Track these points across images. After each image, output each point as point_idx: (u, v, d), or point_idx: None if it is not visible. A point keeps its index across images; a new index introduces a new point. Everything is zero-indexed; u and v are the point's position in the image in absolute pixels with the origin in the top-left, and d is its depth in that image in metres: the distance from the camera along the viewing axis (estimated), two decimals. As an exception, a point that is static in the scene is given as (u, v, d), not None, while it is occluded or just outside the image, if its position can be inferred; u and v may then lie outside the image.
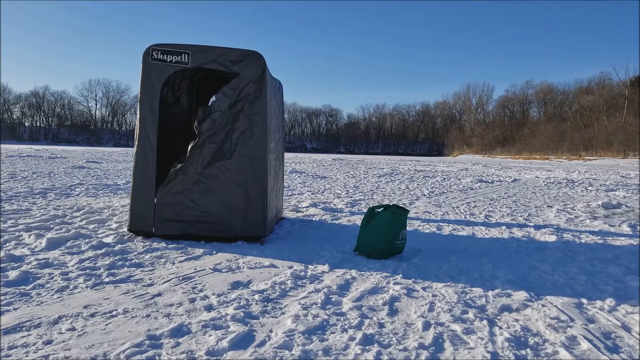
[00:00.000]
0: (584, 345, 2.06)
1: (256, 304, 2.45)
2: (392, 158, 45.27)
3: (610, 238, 4.76)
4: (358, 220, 5.43)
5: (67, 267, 2.98)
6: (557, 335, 2.15)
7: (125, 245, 3.70)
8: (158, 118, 4.00)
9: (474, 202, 7.91)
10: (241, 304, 2.43)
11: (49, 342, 1.88)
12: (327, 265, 3.31)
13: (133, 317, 2.19)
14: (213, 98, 4.12)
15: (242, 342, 1.97)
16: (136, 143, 4.05)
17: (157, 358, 1.79)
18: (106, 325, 2.09)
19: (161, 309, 2.32)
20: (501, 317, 2.39)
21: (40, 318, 2.12)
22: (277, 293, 2.65)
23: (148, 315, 2.22)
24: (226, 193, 3.97)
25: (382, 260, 3.53)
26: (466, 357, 1.91)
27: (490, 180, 13.06)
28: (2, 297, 2.37)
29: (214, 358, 1.82)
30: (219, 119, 3.95)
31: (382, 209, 3.82)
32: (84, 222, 4.52)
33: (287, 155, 8.66)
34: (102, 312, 2.24)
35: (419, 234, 4.69)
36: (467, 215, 6.21)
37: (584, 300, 2.69)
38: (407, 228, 3.91)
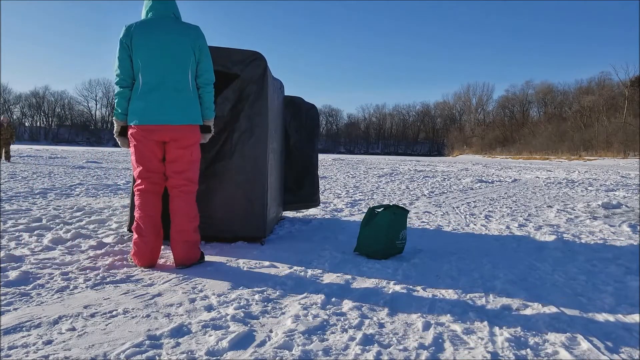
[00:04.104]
0: (584, 345, 2.06)
1: (256, 304, 2.45)
2: (392, 158, 45.27)
3: (610, 238, 4.76)
4: (358, 220, 5.43)
5: (67, 267, 2.98)
6: (557, 335, 2.15)
7: (125, 245, 3.70)
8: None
9: (474, 202, 7.91)
10: (241, 304, 2.43)
11: (49, 342, 1.88)
12: (327, 265, 3.31)
13: (133, 317, 2.19)
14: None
15: (242, 342, 1.97)
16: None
17: (157, 358, 1.79)
18: (106, 325, 2.09)
19: (161, 309, 2.32)
20: (501, 317, 2.39)
21: (40, 318, 2.12)
22: (277, 293, 2.65)
23: (148, 316, 2.22)
24: (226, 193, 3.97)
25: (382, 261, 3.53)
26: (466, 357, 1.91)
27: (490, 181, 13.06)
28: (2, 297, 2.37)
29: (214, 358, 1.82)
30: (221, 122, 3.96)
31: (382, 209, 3.82)
32: (84, 222, 4.52)
33: (287, 155, 8.71)
34: (102, 312, 2.24)
35: (419, 234, 4.69)
36: (467, 215, 6.21)
37: (584, 300, 2.69)
38: (407, 228, 3.90)
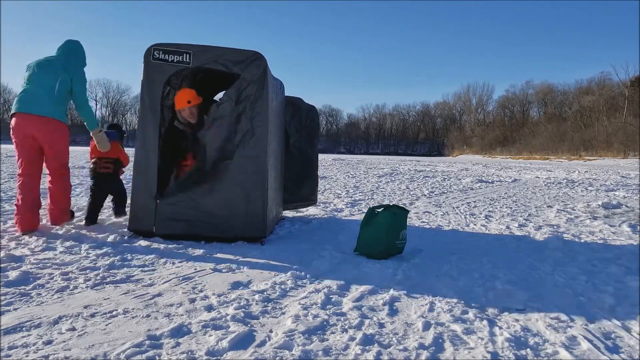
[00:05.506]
0: (584, 345, 2.06)
1: (256, 304, 2.45)
2: (392, 158, 45.25)
3: (610, 238, 4.76)
4: (358, 220, 5.43)
5: (67, 267, 2.98)
6: (557, 335, 2.15)
7: (125, 245, 3.69)
8: (159, 118, 4.01)
9: (474, 202, 7.91)
10: (241, 304, 2.43)
11: (49, 342, 1.88)
12: (327, 265, 3.30)
13: (133, 317, 2.19)
14: (219, 95, 4.15)
15: (242, 342, 1.97)
16: (137, 143, 4.05)
17: (158, 358, 1.79)
18: (106, 325, 2.09)
19: (161, 309, 2.32)
20: (501, 317, 2.39)
21: (40, 318, 2.12)
22: (277, 293, 2.65)
23: (148, 316, 2.22)
24: (227, 193, 3.97)
25: (382, 261, 3.53)
26: (466, 357, 1.91)
27: (490, 181, 13.06)
28: (2, 297, 2.37)
29: (214, 358, 1.82)
30: (223, 122, 3.97)
31: (382, 209, 3.82)
32: (84, 222, 4.52)
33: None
34: (102, 312, 2.24)
35: (419, 234, 4.69)
36: (467, 215, 6.21)
37: (584, 300, 2.69)
38: (407, 228, 3.90)
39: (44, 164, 4.17)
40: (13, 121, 3.97)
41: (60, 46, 4.38)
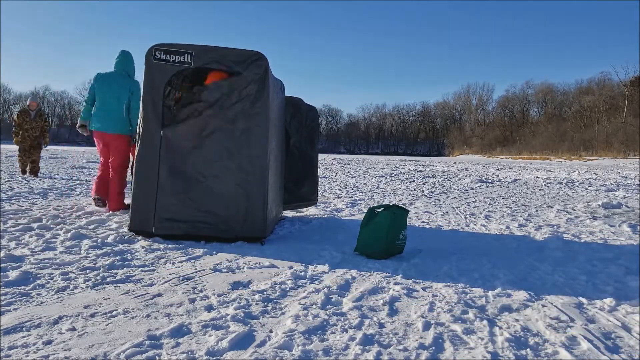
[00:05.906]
0: (584, 345, 2.06)
1: (256, 304, 2.45)
2: (392, 158, 45.24)
3: (610, 238, 4.76)
4: (358, 220, 5.43)
5: (67, 267, 2.98)
6: (557, 336, 2.15)
7: (125, 245, 3.69)
8: (160, 118, 4.00)
9: (474, 202, 7.91)
10: (241, 304, 2.43)
11: (49, 342, 1.88)
12: (327, 265, 3.30)
13: (133, 317, 2.19)
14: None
15: (242, 342, 1.97)
16: (138, 142, 4.05)
17: (157, 358, 1.79)
18: (106, 325, 2.09)
19: (161, 309, 2.32)
20: (501, 317, 2.39)
21: (40, 318, 2.12)
22: (277, 293, 2.65)
23: (148, 316, 2.22)
24: (226, 193, 3.96)
25: (382, 261, 3.53)
26: (466, 357, 1.91)
27: (490, 181, 13.07)
28: (2, 297, 2.37)
29: (214, 358, 1.82)
30: (218, 116, 3.96)
31: (382, 209, 3.82)
32: (84, 222, 4.52)
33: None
34: (102, 312, 2.24)
35: (419, 234, 4.69)
36: (467, 216, 6.21)
37: (584, 300, 2.69)
38: (407, 228, 3.90)
39: (109, 161, 5.45)
40: (94, 134, 5.48)
41: (117, 60, 5.46)
